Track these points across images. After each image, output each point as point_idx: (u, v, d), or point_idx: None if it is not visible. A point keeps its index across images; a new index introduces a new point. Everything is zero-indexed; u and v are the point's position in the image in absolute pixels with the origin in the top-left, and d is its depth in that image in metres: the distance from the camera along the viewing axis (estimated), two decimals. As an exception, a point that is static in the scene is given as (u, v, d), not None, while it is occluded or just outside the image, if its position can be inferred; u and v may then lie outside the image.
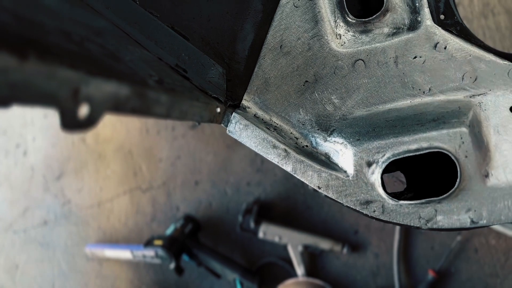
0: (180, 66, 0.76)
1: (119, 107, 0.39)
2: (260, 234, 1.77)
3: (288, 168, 0.79)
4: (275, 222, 1.81)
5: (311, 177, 0.78)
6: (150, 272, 2.01)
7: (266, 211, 1.87)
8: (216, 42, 0.83)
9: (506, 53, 0.76)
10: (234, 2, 0.82)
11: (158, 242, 1.74)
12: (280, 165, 0.79)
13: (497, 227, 1.60)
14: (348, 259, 1.76)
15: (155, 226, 2.04)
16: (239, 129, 0.79)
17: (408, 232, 1.69)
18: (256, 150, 0.79)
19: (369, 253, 1.74)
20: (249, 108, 0.83)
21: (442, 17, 0.78)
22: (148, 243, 1.78)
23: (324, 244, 1.73)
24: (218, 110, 0.74)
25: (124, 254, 1.92)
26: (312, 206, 1.84)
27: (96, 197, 2.22)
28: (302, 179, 0.79)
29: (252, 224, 1.76)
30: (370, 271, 1.73)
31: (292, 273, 1.78)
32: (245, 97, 0.83)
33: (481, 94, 0.75)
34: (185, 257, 1.80)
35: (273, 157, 0.78)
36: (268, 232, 1.77)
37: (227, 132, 0.80)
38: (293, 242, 1.75)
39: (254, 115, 0.83)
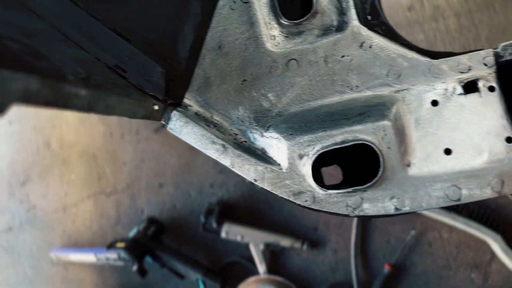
0: (120, 66, 0.79)
1: (30, 99, 0.42)
2: (223, 234, 1.81)
3: (226, 162, 0.83)
4: (238, 221, 1.84)
5: (248, 170, 0.82)
6: (114, 275, 2.02)
7: (229, 211, 1.90)
8: (158, 44, 0.86)
9: (427, 50, 0.82)
10: (174, 6, 0.86)
11: (121, 245, 1.76)
12: (219, 160, 0.82)
13: (449, 221, 1.66)
14: (308, 255, 1.80)
15: (119, 229, 2.06)
16: (179, 126, 0.83)
17: (365, 227, 1.75)
18: (196, 146, 0.83)
19: (328, 249, 1.79)
20: (190, 106, 0.87)
21: (369, 17, 0.83)
22: (111, 246, 1.80)
23: (285, 242, 1.77)
24: (156, 107, 0.78)
25: (88, 257, 1.93)
26: (273, 205, 1.88)
27: (61, 202, 2.21)
28: (240, 173, 0.83)
29: (214, 224, 1.79)
30: (329, 267, 1.78)
31: (254, 271, 1.82)
32: (186, 95, 0.87)
33: (405, 89, 0.80)
34: (148, 259, 1.81)
35: (212, 152, 0.82)
36: (231, 231, 1.81)
37: (168, 129, 0.83)
38: (255, 241, 1.79)
39: (195, 113, 0.87)
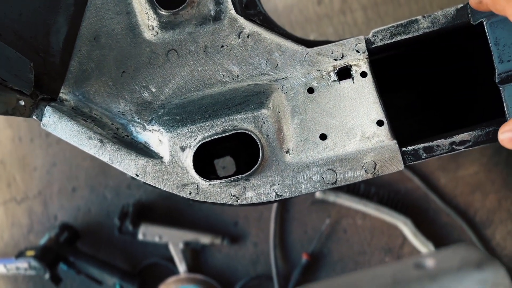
0: (-19, 61, 0.73)
1: None
2: (140, 236, 1.76)
3: (105, 158, 0.79)
4: (156, 222, 1.80)
5: (128, 165, 0.80)
6: (30, 285, 1.91)
7: (147, 212, 1.85)
8: (30, 37, 0.82)
9: (304, 39, 0.83)
10: (45, -4, 0.82)
11: (30, 253, 1.66)
12: (97, 156, 0.79)
13: (361, 208, 1.72)
14: (229, 251, 1.80)
15: (32, 237, 1.95)
16: (53, 122, 0.79)
17: (283, 219, 1.77)
18: (72, 143, 0.79)
19: (249, 243, 1.79)
20: (67, 101, 0.83)
21: (245, 7, 0.83)
22: (20, 255, 1.70)
23: (205, 239, 1.75)
24: (22, 103, 0.73)
25: (-3, 269, 1.82)
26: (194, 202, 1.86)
27: (-32, 213, 2.06)
28: (120, 168, 0.80)
29: (130, 227, 1.74)
30: (250, 260, 1.78)
31: (175, 271, 1.78)
32: (62, 90, 0.83)
33: (283, 78, 0.81)
34: (63, 266, 1.73)
35: (89, 148, 0.79)
36: (148, 233, 1.76)
37: (41, 126, 0.79)
38: (174, 240, 1.76)
39: (73, 108, 0.83)
